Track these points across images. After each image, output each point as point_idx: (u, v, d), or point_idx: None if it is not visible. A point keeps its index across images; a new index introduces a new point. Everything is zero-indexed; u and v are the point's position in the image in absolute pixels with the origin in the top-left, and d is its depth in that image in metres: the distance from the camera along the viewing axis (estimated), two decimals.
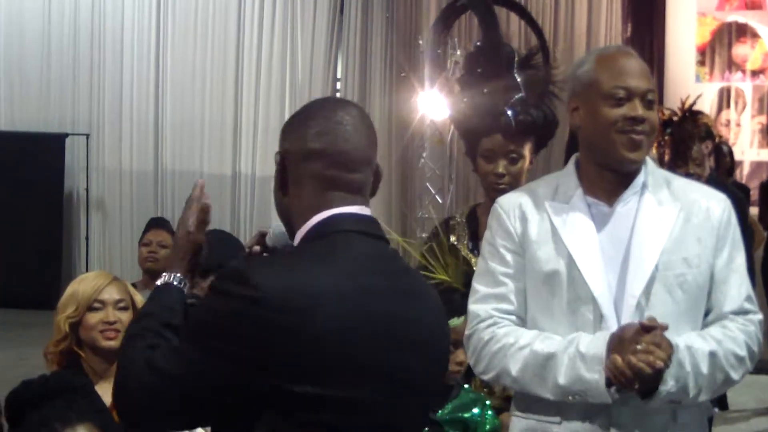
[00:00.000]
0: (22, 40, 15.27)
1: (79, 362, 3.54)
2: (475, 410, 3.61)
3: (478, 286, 3.04)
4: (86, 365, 3.52)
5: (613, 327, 2.81)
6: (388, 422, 2.13)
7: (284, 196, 2.22)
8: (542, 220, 2.95)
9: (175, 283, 2.30)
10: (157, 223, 5.73)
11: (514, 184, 3.76)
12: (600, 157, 2.94)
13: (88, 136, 14.96)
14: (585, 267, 2.86)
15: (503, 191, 3.55)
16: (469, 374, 3.59)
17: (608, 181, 2.95)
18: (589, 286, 2.85)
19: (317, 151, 2.17)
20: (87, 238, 15.07)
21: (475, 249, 3.88)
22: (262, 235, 2.45)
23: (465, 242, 4.00)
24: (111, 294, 3.61)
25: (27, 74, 15.31)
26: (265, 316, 1.99)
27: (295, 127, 2.23)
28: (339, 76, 14.55)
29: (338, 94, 14.19)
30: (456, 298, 3.57)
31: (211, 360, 2.01)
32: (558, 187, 2.99)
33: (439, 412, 3.52)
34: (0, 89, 15.40)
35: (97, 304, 3.53)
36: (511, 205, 3.01)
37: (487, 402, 3.64)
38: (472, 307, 3.02)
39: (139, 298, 3.67)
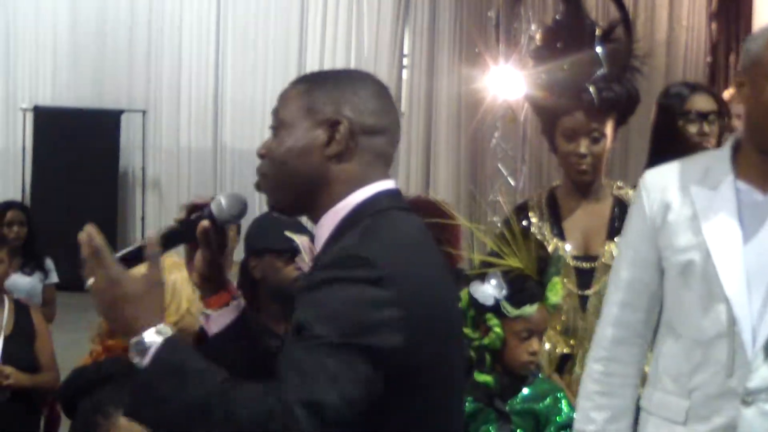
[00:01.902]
0: (78, 16, 15.30)
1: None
2: (548, 401, 3.48)
3: (614, 283, 2.95)
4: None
5: (745, 332, 2.66)
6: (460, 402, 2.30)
7: (331, 164, 2.12)
8: (684, 204, 2.80)
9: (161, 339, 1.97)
10: None
11: (596, 165, 3.78)
12: (760, 139, 2.75)
13: (144, 113, 15.02)
14: (720, 261, 2.70)
15: (585, 172, 3.73)
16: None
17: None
18: (722, 283, 2.69)
19: (383, 128, 2.17)
20: (142, 218, 15.06)
21: (560, 233, 3.88)
22: (197, 207, 2.20)
23: (546, 225, 3.91)
24: None
25: (83, 50, 15.35)
26: (400, 294, 1.96)
27: (351, 94, 2.16)
28: (406, 52, 14.31)
29: (405, 71, 14.10)
30: (529, 286, 3.49)
31: (368, 359, 1.92)
32: (708, 170, 2.83)
33: (509, 402, 3.43)
34: (56, 65, 15.50)
35: None
36: (654, 186, 2.88)
37: (561, 393, 3.53)
38: (601, 322, 2.96)
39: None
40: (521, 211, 3.99)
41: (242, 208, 2.21)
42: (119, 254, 2.09)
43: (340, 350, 1.90)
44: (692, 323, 2.76)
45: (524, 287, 3.42)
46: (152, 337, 1.97)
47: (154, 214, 15.08)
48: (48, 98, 15.40)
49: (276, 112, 2.19)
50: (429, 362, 2.03)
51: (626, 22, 4.05)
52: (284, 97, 2.19)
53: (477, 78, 12.21)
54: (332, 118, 2.13)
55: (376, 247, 2.01)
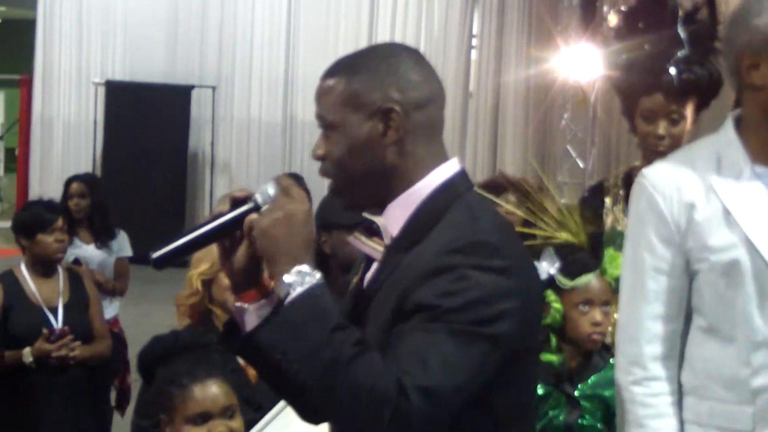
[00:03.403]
0: None
1: (211, 317, 3.42)
2: None
3: (627, 291, 2.73)
4: (219, 322, 3.39)
5: None
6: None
7: (396, 152, 2.09)
8: (709, 201, 2.61)
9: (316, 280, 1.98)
10: (293, 179, 5.23)
11: (674, 147, 3.62)
12: None
13: (214, 88, 14.95)
14: None
15: (662, 154, 3.50)
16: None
17: None
18: None
19: (431, 96, 2.12)
20: (211, 193, 15.08)
21: None
22: (238, 201, 2.08)
23: (620, 206, 3.85)
24: None
25: (155, 24, 15.43)
26: (518, 284, 1.99)
27: (388, 74, 2.09)
28: (475, 33, 14.18)
29: (474, 52, 13.99)
30: (580, 256, 3.48)
31: (492, 348, 1.95)
32: (720, 158, 2.65)
33: (579, 387, 3.37)
34: (128, 39, 15.59)
35: None
36: (667, 185, 2.67)
37: None
38: (622, 340, 2.73)
39: None
40: (597, 191, 3.97)
41: None
42: (219, 221, 2.07)
43: (464, 338, 1.92)
44: (747, 324, 2.57)
45: (576, 258, 3.39)
46: (311, 272, 1.97)
47: (223, 189, 15.10)
48: (119, 73, 15.53)
49: (321, 115, 2.12)
50: (530, 347, 2.09)
51: (710, 3, 3.99)
52: (322, 96, 2.12)
53: (546, 59, 12.07)
54: (383, 106, 2.08)
55: (495, 234, 2.02)
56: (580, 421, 3.37)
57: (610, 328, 3.46)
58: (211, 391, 2.71)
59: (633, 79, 3.80)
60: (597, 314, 3.38)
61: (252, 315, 2.02)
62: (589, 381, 3.40)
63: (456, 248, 1.97)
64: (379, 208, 2.16)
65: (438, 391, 1.89)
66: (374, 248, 2.33)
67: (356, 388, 1.88)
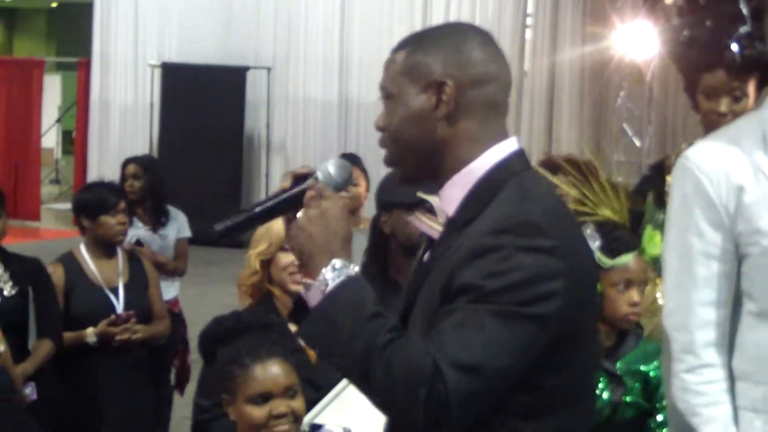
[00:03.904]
0: None
1: (272, 297, 3.44)
2: (656, 362, 3.38)
3: (674, 277, 2.61)
4: (279, 303, 3.42)
5: None
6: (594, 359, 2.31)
7: (446, 126, 2.11)
8: (758, 182, 2.50)
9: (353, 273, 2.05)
10: (349, 159, 5.23)
11: None
12: None
13: (269, 69, 14.97)
14: None
15: None
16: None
17: None
18: None
19: (492, 75, 2.12)
20: (267, 175, 15.10)
21: None
22: (300, 177, 2.15)
23: None
24: None
25: (210, 6, 15.52)
26: (564, 265, 1.98)
27: (451, 49, 2.12)
28: (530, 11, 14.08)
29: (528, 31, 13.89)
30: (621, 234, 3.44)
31: (538, 329, 1.94)
32: (766, 136, 2.53)
33: (618, 363, 3.37)
34: (183, 21, 15.69)
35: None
36: (713, 168, 2.55)
37: None
38: (671, 324, 2.61)
39: None
40: (658, 170, 3.97)
41: (349, 174, 2.19)
42: (281, 197, 2.13)
43: (507, 319, 1.92)
44: None
45: (617, 236, 3.35)
46: (347, 264, 2.04)
47: (278, 169, 15.16)
48: (175, 55, 15.63)
49: (382, 85, 2.18)
50: (582, 328, 2.06)
51: None
52: (387, 67, 2.18)
53: (602, 36, 11.91)
54: (437, 80, 2.10)
55: (543, 214, 2.01)
56: (624, 398, 3.37)
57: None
58: (273, 370, 2.73)
59: (695, 56, 3.86)
60: (635, 295, 3.37)
61: (316, 291, 2.05)
62: (626, 357, 3.41)
63: (501, 228, 1.98)
64: (434, 183, 2.17)
65: (477, 369, 1.89)
66: (433, 227, 2.35)
67: (390, 372, 1.90)
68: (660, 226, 3.52)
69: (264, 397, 2.70)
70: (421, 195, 3.32)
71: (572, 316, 1.99)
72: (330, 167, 2.14)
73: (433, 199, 3.05)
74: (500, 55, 2.16)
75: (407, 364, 1.89)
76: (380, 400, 1.97)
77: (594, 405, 2.23)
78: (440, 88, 2.09)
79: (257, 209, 2.14)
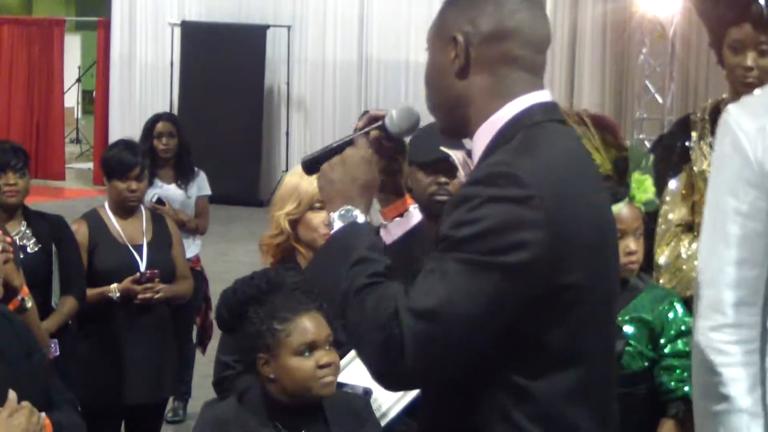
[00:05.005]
0: None
1: (295, 256, 3.41)
2: (661, 308, 3.43)
3: (707, 234, 2.52)
4: (304, 261, 3.39)
5: None
6: (610, 319, 2.20)
7: (461, 80, 2.13)
8: None
9: (361, 220, 2.14)
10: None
11: (763, 78, 3.57)
12: None
13: (289, 27, 14.96)
14: None
15: (751, 86, 3.48)
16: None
17: None
18: None
19: (511, 30, 2.11)
20: (287, 133, 15.07)
21: None
22: (374, 119, 2.27)
23: (707, 140, 3.76)
24: None
25: None
26: (542, 216, 1.94)
27: (472, 6, 2.13)
28: None
29: None
30: (608, 186, 3.29)
31: (505, 278, 1.91)
32: None
33: (620, 315, 3.29)
34: None
35: (319, 204, 3.31)
36: (752, 125, 2.48)
37: (674, 300, 3.46)
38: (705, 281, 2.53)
39: None
40: (683, 125, 3.91)
41: (413, 121, 2.26)
42: (368, 128, 2.26)
43: (470, 267, 1.92)
44: None
45: (606, 186, 3.28)
46: (353, 213, 2.13)
47: (298, 127, 15.19)
48: (195, 13, 15.60)
49: (426, 37, 2.22)
50: (580, 281, 2.00)
51: None
52: (432, 22, 2.21)
53: None
54: (452, 34, 2.13)
55: (528, 165, 1.98)
56: (627, 348, 3.36)
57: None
58: (314, 321, 2.76)
59: (720, 10, 3.71)
60: (631, 243, 3.38)
61: (388, 233, 2.23)
62: (630, 305, 3.40)
63: (476, 179, 2.00)
64: (463, 136, 2.22)
65: (434, 314, 1.89)
66: None
67: (361, 315, 1.96)
68: (647, 170, 3.54)
69: (310, 347, 2.73)
70: (444, 149, 3.31)
71: (558, 269, 1.96)
72: (394, 112, 2.24)
73: (455, 154, 3.04)
74: (530, 11, 2.14)
75: (374, 308, 1.94)
76: (352, 342, 2.05)
77: (612, 365, 2.19)
78: (455, 43, 2.12)
79: (333, 144, 2.25)
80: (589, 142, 3.51)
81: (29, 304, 3.60)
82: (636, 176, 3.45)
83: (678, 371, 3.39)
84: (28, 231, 4.47)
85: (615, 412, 2.19)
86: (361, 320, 1.97)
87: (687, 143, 3.80)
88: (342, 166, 2.18)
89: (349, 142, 2.23)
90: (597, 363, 2.10)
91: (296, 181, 3.41)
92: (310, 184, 3.31)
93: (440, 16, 2.18)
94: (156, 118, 6.54)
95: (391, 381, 2.03)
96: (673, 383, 3.39)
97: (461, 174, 2.84)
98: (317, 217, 3.34)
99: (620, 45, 12.82)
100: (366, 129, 2.26)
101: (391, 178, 2.32)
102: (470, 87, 2.12)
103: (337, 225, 2.12)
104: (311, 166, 2.26)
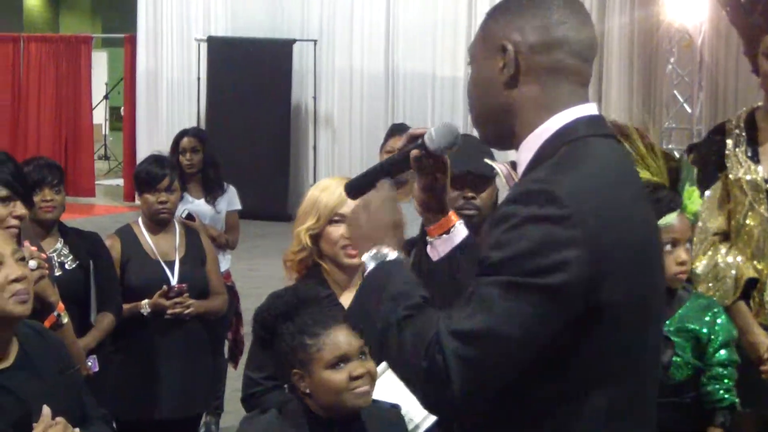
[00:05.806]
0: None
1: (320, 271, 3.41)
2: (707, 318, 3.46)
3: None
4: (328, 276, 3.39)
5: None
6: (655, 334, 2.14)
7: (510, 90, 2.11)
8: None
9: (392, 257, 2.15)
10: (399, 129, 5.24)
11: None
12: None
13: (315, 42, 14.95)
14: None
15: None
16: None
17: None
18: None
19: (558, 40, 2.09)
20: (314, 147, 15.06)
21: (754, 156, 3.79)
22: (414, 138, 2.28)
23: (742, 148, 3.79)
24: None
25: None
26: (579, 235, 1.90)
27: (518, 16, 2.11)
28: None
29: None
30: (664, 195, 3.45)
31: (545, 300, 1.88)
32: None
33: (667, 323, 3.32)
34: None
35: (338, 217, 3.33)
36: None
37: (718, 309, 3.51)
38: None
39: None
40: (718, 133, 3.91)
41: (453, 137, 2.26)
42: (391, 157, 2.30)
43: (511, 289, 1.89)
44: None
45: (660, 197, 3.37)
46: (383, 252, 2.15)
47: (326, 142, 15.19)
48: (221, 29, 15.65)
49: (468, 49, 2.21)
50: (623, 298, 1.97)
51: None
52: (476, 35, 2.21)
53: (652, 2, 11.87)
54: (500, 44, 2.11)
55: (568, 182, 1.95)
56: (674, 358, 3.38)
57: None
58: (344, 334, 2.77)
59: (754, 18, 3.74)
60: (682, 253, 3.41)
61: (434, 250, 2.27)
62: (675, 316, 3.43)
63: (514, 197, 1.97)
64: (508, 148, 2.19)
65: (477, 337, 1.88)
66: None
67: (401, 347, 1.96)
68: (694, 182, 3.55)
69: (342, 360, 2.74)
70: (488, 162, 3.31)
71: (596, 288, 1.92)
72: (433, 131, 2.25)
73: (498, 166, 3.04)
74: (577, 20, 2.12)
75: (413, 339, 1.94)
76: (398, 375, 2.02)
77: (656, 382, 2.16)
78: (505, 52, 2.10)
79: (373, 168, 2.28)
80: (641, 152, 3.50)
81: (65, 320, 3.61)
82: (688, 187, 3.45)
83: (726, 381, 3.39)
84: (65, 248, 4.47)
85: (655, 428, 2.15)
86: (401, 353, 1.97)
87: (723, 151, 3.79)
88: (366, 211, 2.21)
89: (393, 163, 2.27)
90: (639, 380, 2.08)
91: (316, 196, 3.41)
92: (329, 197, 3.35)
93: (485, 27, 2.16)
94: (182, 134, 6.57)
95: (442, 408, 2.02)
96: (720, 392, 3.39)
97: (505, 186, 2.84)
98: (336, 231, 3.34)
99: (648, 54, 12.76)
100: (408, 148, 2.27)
101: (434, 195, 2.33)
102: (518, 97, 2.11)
103: (370, 267, 2.14)
104: (353, 191, 2.29)
